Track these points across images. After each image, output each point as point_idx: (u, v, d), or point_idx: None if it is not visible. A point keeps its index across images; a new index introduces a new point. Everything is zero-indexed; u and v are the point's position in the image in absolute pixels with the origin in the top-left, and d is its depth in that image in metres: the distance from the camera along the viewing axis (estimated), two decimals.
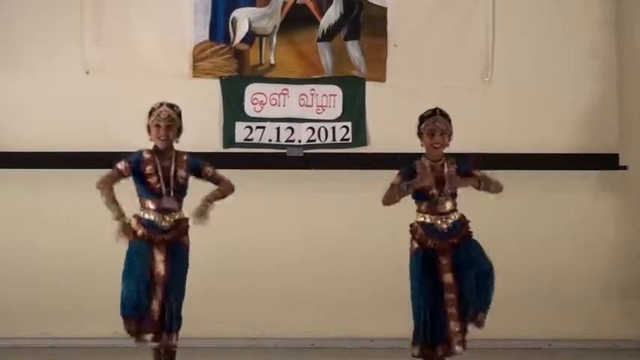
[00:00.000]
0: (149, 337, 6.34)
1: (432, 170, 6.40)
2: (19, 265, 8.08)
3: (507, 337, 7.89)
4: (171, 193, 6.45)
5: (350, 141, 8.12)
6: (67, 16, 8.07)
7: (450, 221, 6.39)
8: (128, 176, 6.48)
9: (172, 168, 6.48)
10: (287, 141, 8.13)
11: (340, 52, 8.17)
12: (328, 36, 8.19)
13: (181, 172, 6.50)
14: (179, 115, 6.53)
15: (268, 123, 8.12)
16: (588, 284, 8.16)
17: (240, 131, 8.11)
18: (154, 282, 6.36)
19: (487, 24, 8.13)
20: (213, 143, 8.02)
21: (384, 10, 8.16)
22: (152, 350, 6.46)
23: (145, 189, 6.46)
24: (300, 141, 8.14)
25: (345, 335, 8.04)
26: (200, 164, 6.61)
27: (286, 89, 8.15)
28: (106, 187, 6.40)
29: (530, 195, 8.14)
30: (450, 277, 6.32)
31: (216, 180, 6.66)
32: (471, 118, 7.96)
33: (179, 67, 8.08)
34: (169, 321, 6.39)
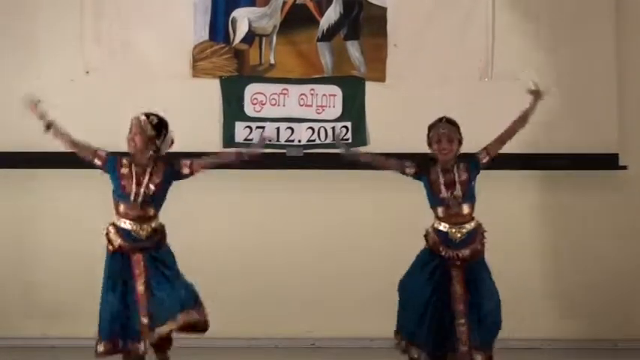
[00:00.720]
0: (141, 347, 6.41)
1: (444, 175, 6.45)
2: (19, 265, 8.08)
3: (507, 337, 7.88)
4: (139, 199, 6.48)
5: (350, 141, 8.12)
6: (67, 17, 8.08)
7: (465, 230, 6.43)
8: (100, 160, 6.55)
9: (147, 175, 6.51)
10: (287, 141, 8.13)
11: (340, 52, 8.17)
12: (328, 36, 8.20)
13: (154, 179, 6.53)
14: (155, 125, 6.54)
15: (268, 123, 8.12)
16: (588, 283, 8.16)
17: (240, 131, 8.11)
18: (134, 299, 6.42)
19: (487, 23, 8.13)
20: (212, 143, 8.02)
21: (383, 10, 8.16)
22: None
23: (118, 191, 6.51)
24: (299, 141, 8.14)
25: (345, 335, 8.05)
26: (175, 164, 6.61)
27: (286, 89, 8.15)
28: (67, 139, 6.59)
29: (529, 195, 8.15)
30: (460, 288, 6.38)
31: (201, 161, 6.66)
32: (470, 117, 7.94)
33: (179, 67, 8.08)
34: (166, 309, 6.42)
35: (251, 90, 8.15)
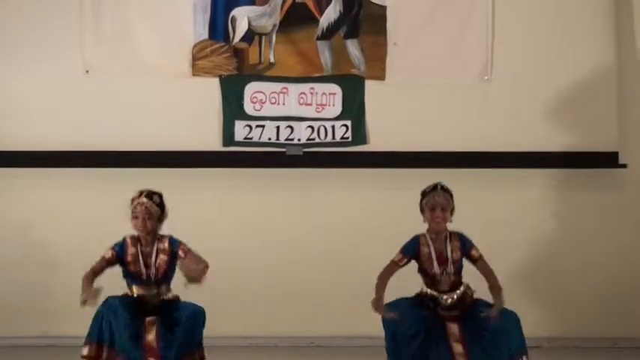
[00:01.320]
0: None
1: (434, 244, 6.40)
2: (19, 264, 8.08)
3: None
4: (152, 279, 6.51)
5: (349, 140, 8.12)
6: (67, 15, 8.07)
7: (456, 296, 6.39)
8: (115, 263, 6.55)
9: (154, 254, 6.56)
10: (286, 140, 8.13)
11: (340, 51, 8.17)
12: (328, 34, 8.19)
13: (162, 257, 6.57)
14: (159, 204, 6.58)
15: (268, 122, 8.11)
16: (588, 281, 8.16)
17: (240, 130, 8.11)
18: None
19: (487, 22, 8.12)
20: (212, 142, 8.02)
21: (383, 8, 8.16)
22: None
23: (129, 275, 6.54)
24: (299, 140, 8.13)
25: (344, 334, 8.04)
26: (176, 246, 6.62)
27: (286, 88, 8.15)
28: (84, 281, 6.50)
29: (529, 193, 8.14)
30: (459, 347, 6.31)
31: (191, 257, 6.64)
32: (470, 116, 7.97)
33: (179, 66, 8.07)
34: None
35: (251, 89, 8.14)
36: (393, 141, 7.87)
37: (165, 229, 6.64)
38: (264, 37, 8.19)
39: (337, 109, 8.15)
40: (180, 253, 6.59)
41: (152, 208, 6.57)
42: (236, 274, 8.02)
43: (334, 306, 8.05)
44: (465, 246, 6.41)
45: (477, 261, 6.40)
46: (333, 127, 8.14)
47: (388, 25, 8.16)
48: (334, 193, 8.10)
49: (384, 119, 8.06)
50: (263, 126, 8.11)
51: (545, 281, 8.17)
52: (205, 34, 8.14)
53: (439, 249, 6.40)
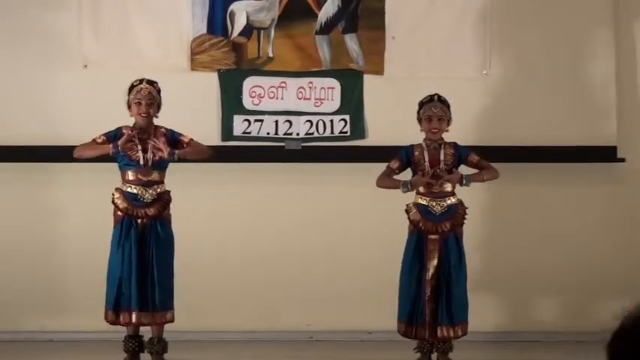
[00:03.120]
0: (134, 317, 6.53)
1: (429, 151, 6.50)
2: (18, 258, 8.08)
3: (507, 330, 7.90)
4: (149, 163, 6.55)
5: (348, 134, 8.11)
6: (65, 10, 8.05)
7: (445, 204, 6.46)
8: (106, 148, 6.68)
9: (151, 140, 6.65)
10: (285, 134, 8.12)
11: (338, 45, 8.16)
12: (326, 29, 8.18)
13: (158, 143, 6.62)
14: (159, 91, 6.76)
15: (266, 116, 8.11)
16: (586, 276, 8.16)
17: (238, 124, 8.10)
18: (131, 265, 6.51)
19: (485, 16, 8.11)
20: (211, 136, 8.00)
21: (381, 2, 8.14)
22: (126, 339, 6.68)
23: (124, 160, 6.58)
24: (298, 134, 8.13)
25: (343, 328, 8.04)
26: (177, 134, 6.78)
27: (284, 82, 8.14)
28: (83, 148, 6.72)
29: (527, 187, 8.14)
30: (436, 261, 6.44)
31: (195, 145, 6.82)
32: (469, 110, 7.95)
33: (177, 61, 8.06)
34: (152, 300, 6.51)
35: (249, 83, 8.13)
36: (391, 135, 7.86)
37: None
38: (262, 32, 8.18)
39: (336, 104, 8.14)
40: (184, 138, 6.74)
41: (154, 93, 6.61)
42: (234, 268, 8.02)
43: (333, 300, 8.05)
44: (462, 153, 6.57)
45: (478, 162, 6.56)
46: (331, 121, 8.13)
47: (387, 19, 8.14)
48: (333, 187, 8.09)
49: (383, 113, 8.05)
50: (262, 120, 8.10)
51: (542, 275, 8.17)
52: (204, 29, 8.12)
53: (432, 154, 6.59)
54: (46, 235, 8.09)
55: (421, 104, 6.60)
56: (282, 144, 8.10)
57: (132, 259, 6.57)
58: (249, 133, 8.09)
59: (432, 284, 6.48)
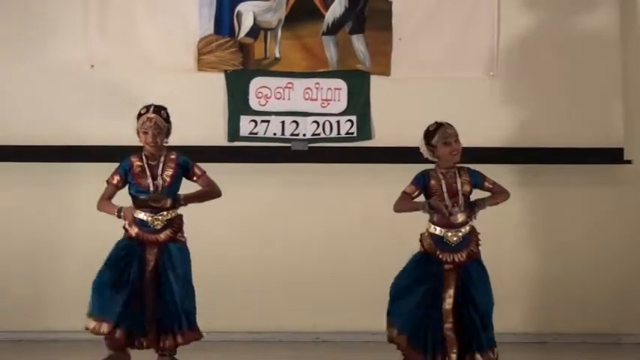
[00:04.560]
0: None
1: (446, 179, 6.39)
2: (22, 259, 8.08)
3: (512, 332, 7.89)
4: (159, 190, 6.53)
5: (354, 135, 8.11)
6: (72, 10, 8.07)
7: (461, 234, 6.37)
8: (123, 187, 6.64)
9: (160, 167, 6.60)
10: (292, 135, 8.13)
11: (345, 46, 8.16)
12: (333, 30, 8.18)
13: (168, 171, 6.59)
14: (167, 119, 6.64)
15: (273, 117, 8.11)
16: (593, 277, 8.15)
17: (245, 125, 8.11)
18: (144, 284, 6.46)
19: (492, 17, 8.11)
20: (217, 137, 8.02)
21: (389, 3, 8.15)
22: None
23: (135, 188, 6.59)
24: (304, 135, 8.13)
25: (349, 329, 8.04)
26: (189, 164, 6.70)
27: (291, 83, 8.14)
28: (104, 206, 6.65)
29: (534, 189, 8.14)
30: (453, 291, 6.33)
31: (204, 184, 6.70)
32: (475, 111, 7.95)
33: (184, 61, 8.07)
34: (167, 321, 6.49)
35: (256, 84, 8.14)
36: (398, 136, 7.86)
37: None
38: (269, 32, 8.18)
39: (342, 105, 8.15)
40: (197, 171, 6.67)
41: (161, 123, 6.57)
42: (240, 269, 8.03)
43: (339, 301, 8.05)
44: (477, 181, 6.41)
45: (493, 186, 6.43)
46: (338, 122, 8.13)
47: (393, 20, 8.15)
48: (339, 188, 8.10)
49: (389, 114, 8.05)
50: (268, 121, 8.11)
51: (549, 277, 8.16)
52: (211, 29, 8.13)
53: (449, 183, 6.39)
54: (53, 236, 8.10)
55: (431, 133, 6.43)
56: (289, 145, 8.11)
57: (132, 278, 6.54)
58: (256, 133, 8.09)
59: (455, 314, 6.32)
